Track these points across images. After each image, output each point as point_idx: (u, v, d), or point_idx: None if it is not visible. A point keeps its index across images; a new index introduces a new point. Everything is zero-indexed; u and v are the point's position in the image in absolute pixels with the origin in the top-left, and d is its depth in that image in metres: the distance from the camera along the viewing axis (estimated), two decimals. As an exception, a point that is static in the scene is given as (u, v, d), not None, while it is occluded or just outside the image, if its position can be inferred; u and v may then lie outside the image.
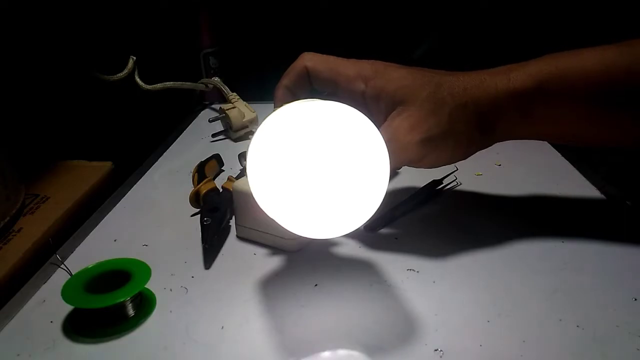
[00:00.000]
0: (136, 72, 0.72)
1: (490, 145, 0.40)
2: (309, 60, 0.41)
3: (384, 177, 0.32)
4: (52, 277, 0.40)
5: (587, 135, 0.39)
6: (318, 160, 0.31)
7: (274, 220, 0.33)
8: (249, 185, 0.33)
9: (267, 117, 0.33)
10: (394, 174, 0.54)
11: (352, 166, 0.31)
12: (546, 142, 0.61)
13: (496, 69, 0.38)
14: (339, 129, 0.31)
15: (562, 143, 0.40)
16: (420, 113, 0.37)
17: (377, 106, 0.39)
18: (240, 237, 0.44)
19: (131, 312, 0.35)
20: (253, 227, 0.42)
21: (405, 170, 0.54)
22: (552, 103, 0.37)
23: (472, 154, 0.40)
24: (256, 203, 0.33)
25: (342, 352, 0.32)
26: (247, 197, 0.39)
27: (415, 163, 0.39)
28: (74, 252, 0.43)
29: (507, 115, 0.37)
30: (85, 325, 0.34)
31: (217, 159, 0.58)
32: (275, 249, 0.42)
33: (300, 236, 0.33)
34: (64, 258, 0.42)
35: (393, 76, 0.38)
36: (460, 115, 0.37)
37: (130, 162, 0.62)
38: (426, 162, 0.39)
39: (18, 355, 0.32)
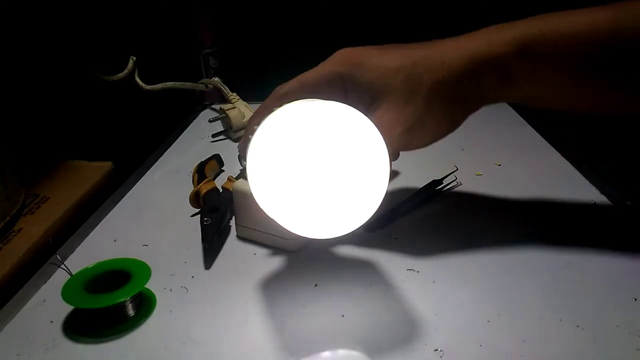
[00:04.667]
0: (136, 72, 0.72)
1: (477, 110, 0.39)
2: (283, 94, 0.41)
3: (384, 177, 0.32)
4: (52, 277, 0.40)
5: (568, 100, 0.38)
6: (318, 161, 0.31)
7: (274, 221, 0.33)
8: (248, 185, 0.33)
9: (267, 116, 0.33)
10: (393, 174, 0.54)
11: (352, 166, 0.31)
12: (546, 142, 0.61)
13: (476, 33, 0.37)
14: (339, 129, 0.31)
15: (543, 108, 0.39)
16: (398, 104, 0.37)
17: (360, 102, 0.39)
18: (240, 237, 0.44)
19: (131, 312, 0.35)
20: (253, 227, 0.42)
21: (405, 170, 0.54)
22: (535, 67, 0.35)
23: (460, 123, 0.40)
24: (256, 203, 0.33)
25: (342, 352, 0.32)
26: (247, 197, 0.39)
27: (404, 150, 0.39)
28: (74, 252, 0.43)
29: (486, 82, 0.37)
30: (85, 325, 0.34)
31: (217, 159, 0.58)
32: (275, 249, 0.42)
33: (300, 236, 0.33)
34: (64, 258, 0.42)
35: (366, 67, 0.38)
36: (437, 95, 0.36)
37: (130, 162, 0.62)
38: (414, 146, 0.39)
39: (18, 355, 0.32)
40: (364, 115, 0.32)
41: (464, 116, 0.39)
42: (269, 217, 0.33)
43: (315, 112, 0.32)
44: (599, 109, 0.39)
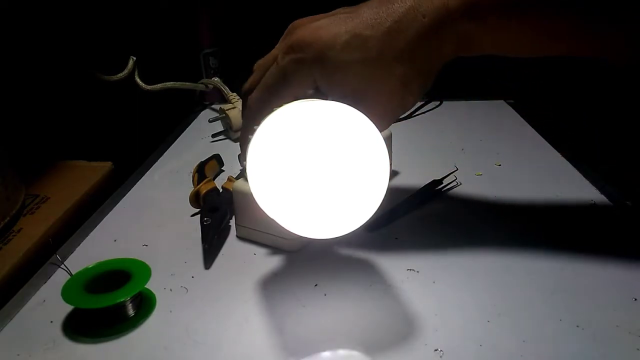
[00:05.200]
0: (136, 73, 0.72)
1: (450, 58, 0.37)
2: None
3: (384, 177, 0.32)
4: (52, 277, 0.40)
5: (533, 47, 0.36)
6: (318, 161, 0.31)
7: (274, 221, 0.33)
8: (248, 185, 0.33)
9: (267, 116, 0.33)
10: (393, 173, 0.54)
11: (352, 166, 0.31)
12: (546, 142, 0.61)
13: None
14: (339, 129, 0.31)
15: (512, 54, 0.37)
16: (381, 94, 0.36)
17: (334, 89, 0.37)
18: (240, 237, 0.44)
19: (131, 312, 0.35)
20: (253, 227, 0.42)
21: (405, 170, 0.54)
22: (506, 5, 0.33)
23: (433, 75, 0.37)
24: (256, 203, 0.33)
25: (342, 352, 0.32)
26: (247, 197, 0.39)
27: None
28: (74, 252, 0.43)
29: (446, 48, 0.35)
30: (85, 325, 0.34)
31: (217, 159, 0.58)
32: (275, 249, 0.42)
33: (300, 236, 0.33)
34: (64, 258, 0.42)
35: (332, 59, 0.35)
36: (404, 67, 0.35)
37: (130, 162, 0.62)
38: (401, 113, 0.38)
39: (18, 355, 0.32)
40: (364, 115, 0.31)
41: (437, 62, 0.37)
42: (269, 217, 0.33)
43: (315, 112, 0.32)
44: (585, 52, 0.36)
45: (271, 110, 0.34)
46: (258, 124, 0.36)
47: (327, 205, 0.31)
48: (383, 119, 0.36)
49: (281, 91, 0.37)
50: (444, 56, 0.36)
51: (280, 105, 0.34)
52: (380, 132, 0.33)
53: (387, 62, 0.35)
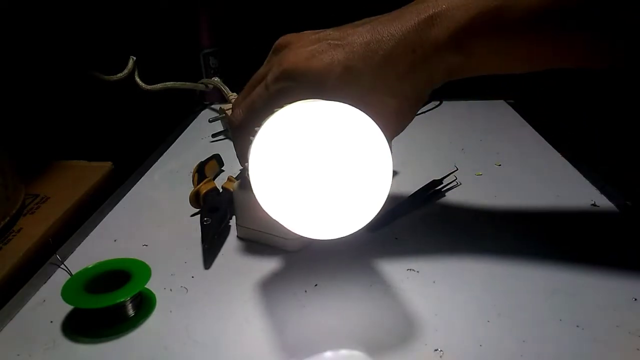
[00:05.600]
0: (136, 73, 0.72)
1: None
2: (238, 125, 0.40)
3: (387, 178, 0.32)
4: (52, 277, 0.40)
5: (531, 62, 0.36)
6: (321, 161, 0.31)
7: (276, 221, 0.33)
8: (250, 185, 0.33)
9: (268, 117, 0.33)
10: (393, 173, 0.53)
11: (355, 167, 0.31)
12: (546, 142, 0.61)
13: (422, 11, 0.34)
14: (342, 129, 0.31)
15: (504, 73, 0.38)
16: (390, 114, 0.37)
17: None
18: (241, 238, 0.44)
19: (131, 312, 0.35)
20: (254, 228, 0.42)
21: (405, 170, 0.54)
22: (495, 36, 0.33)
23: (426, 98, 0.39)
24: (257, 203, 0.33)
25: (342, 352, 0.32)
26: (248, 197, 0.39)
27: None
28: (74, 252, 0.43)
29: (445, 59, 0.35)
30: (85, 325, 0.34)
31: (217, 159, 0.58)
32: (275, 249, 0.42)
33: (302, 237, 0.33)
34: (64, 258, 0.42)
35: (327, 85, 0.36)
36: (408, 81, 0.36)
37: (130, 162, 0.62)
38: (397, 133, 0.39)
39: (18, 355, 0.32)
40: (367, 116, 0.31)
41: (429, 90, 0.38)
42: (270, 217, 0.33)
43: (318, 112, 0.32)
44: (570, 63, 0.36)
45: (273, 112, 0.34)
46: (244, 139, 0.37)
47: (330, 206, 0.31)
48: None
49: (265, 114, 0.37)
50: (435, 83, 0.37)
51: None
52: None
53: (380, 96, 0.36)
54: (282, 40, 0.40)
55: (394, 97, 0.36)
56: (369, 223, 0.33)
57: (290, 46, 0.38)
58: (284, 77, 0.37)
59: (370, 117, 0.32)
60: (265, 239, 0.42)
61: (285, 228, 0.33)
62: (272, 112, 0.33)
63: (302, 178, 0.31)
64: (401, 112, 0.37)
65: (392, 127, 0.38)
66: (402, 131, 0.39)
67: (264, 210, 0.33)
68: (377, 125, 0.32)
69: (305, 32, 0.39)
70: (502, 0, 0.32)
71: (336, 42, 0.36)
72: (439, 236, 0.43)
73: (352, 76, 0.35)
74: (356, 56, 0.35)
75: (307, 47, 0.37)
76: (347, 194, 0.31)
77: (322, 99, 0.33)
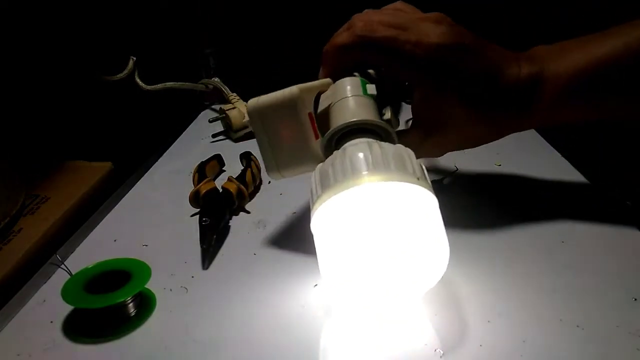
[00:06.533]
0: (136, 73, 0.72)
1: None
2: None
3: (443, 264, 0.32)
4: (52, 277, 0.40)
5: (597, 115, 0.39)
6: (382, 243, 0.30)
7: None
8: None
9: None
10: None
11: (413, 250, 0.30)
12: (546, 142, 0.61)
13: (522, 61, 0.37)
14: (405, 212, 0.30)
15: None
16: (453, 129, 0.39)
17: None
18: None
19: (131, 312, 0.35)
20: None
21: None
22: (586, 95, 0.37)
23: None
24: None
25: (342, 352, 0.32)
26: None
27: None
28: (74, 252, 0.43)
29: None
30: (85, 325, 0.34)
31: (218, 159, 0.58)
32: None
33: None
34: (64, 258, 0.42)
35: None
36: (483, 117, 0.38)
37: (130, 162, 0.62)
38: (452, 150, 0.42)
39: (18, 355, 0.32)
40: (430, 195, 0.31)
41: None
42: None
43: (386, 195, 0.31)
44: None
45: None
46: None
47: (386, 285, 0.32)
48: (441, 149, 0.41)
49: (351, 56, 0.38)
50: (515, 131, 0.40)
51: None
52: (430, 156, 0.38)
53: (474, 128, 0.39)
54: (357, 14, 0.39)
55: (483, 128, 0.39)
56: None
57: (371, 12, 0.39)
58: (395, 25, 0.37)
59: (451, 132, 0.35)
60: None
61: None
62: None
63: (362, 256, 0.30)
64: (478, 141, 0.40)
65: (459, 145, 0.41)
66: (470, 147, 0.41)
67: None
68: (451, 136, 0.35)
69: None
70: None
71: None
72: (439, 236, 0.43)
73: (462, 52, 0.36)
74: (470, 37, 0.37)
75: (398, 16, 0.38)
76: (403, 277, 0.31)
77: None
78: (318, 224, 0.32)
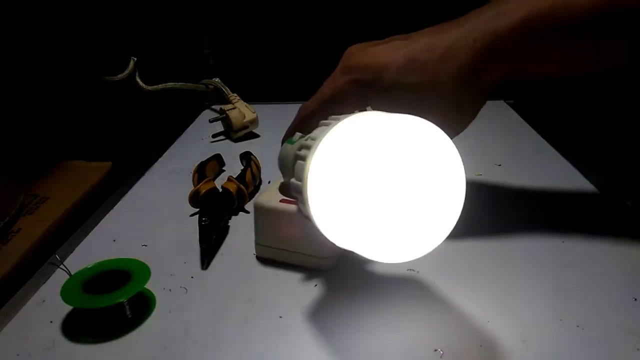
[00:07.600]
0: (137, 73, 0.72)
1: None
2: (306, 116, 0.42)
3: (460, 191, 0.30)
4: (51, 277, 0.40)
5: (581, 66, 0.38)
6: (390, 178, 0.27)
7: (306, 239, 0.30)
8: (274, 200, 0.31)
9: (314, 130, 0.31)
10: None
11: (428, 182, 0.28)
12: (546, 142, 0.61)
13: (475, 17, 0.36)
14: (413, 143, 0.27)
15: (552, 77, 0.39)
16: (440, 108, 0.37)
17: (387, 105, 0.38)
18: (260, 257, 0.41)
19: (130, 312, 0.35)
20: (280, 247, 0.39)
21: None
22: (547, 40, 0.35)
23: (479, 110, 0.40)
24: (284, 221, 0.31)
25: (342, 352, 0.31)
26: (274, 214, 0.37)
27: None
28: (74, 252, 0.43)
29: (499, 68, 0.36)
30: (85, 325, 0.34)
31: (218, 159, 0.58)
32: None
33: (335, 254, 0.31)
34: (64, 258, 0.42)
35: (386, 76, 0.37)
36: (465, 85, 0.37)
37: (130, 162, 0.62)
38: (456, 133, 0.40)
39: (18, 355, 0.32)
40: (438, 129, 0.28)
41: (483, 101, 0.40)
42: (301, 235, 0.31)
43: (386, 126, 0.28)
44: (620, 66, 0.38)
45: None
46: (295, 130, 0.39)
47: (403, 226, 0.28)
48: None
49: (333, 107, 0.39)
50: (494, 78, 0.37)
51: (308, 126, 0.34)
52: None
53: (441, 85, 0.36)
54: (351, 48, 0.41)
55: (454, 87, 0.36)
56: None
57: (359, 50, 0.40)
58: (350, 70, 0.39)
59: (430, 109, 0.31)
60: (294, 259, 0.38)
61: (318, 245, 0.31)
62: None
63: (372, 197, 0.27)
64: (461, 106, 0.38)
65: (451, 121, 0.38)
66: (462, 130, 0.40)
67: (293, 228, 0.31)
68: (436, 118, 0.28)
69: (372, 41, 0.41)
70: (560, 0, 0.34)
71: (401, 41, 0.38)
72: (438, 236, 0.43)
73: (415, 65, 0.36)
74: (419, 50, 0.37)
75: (374, 48, 0.39)
76: (421, 212, 0.28)
77: (385, 91, 0.33)
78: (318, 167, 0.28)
